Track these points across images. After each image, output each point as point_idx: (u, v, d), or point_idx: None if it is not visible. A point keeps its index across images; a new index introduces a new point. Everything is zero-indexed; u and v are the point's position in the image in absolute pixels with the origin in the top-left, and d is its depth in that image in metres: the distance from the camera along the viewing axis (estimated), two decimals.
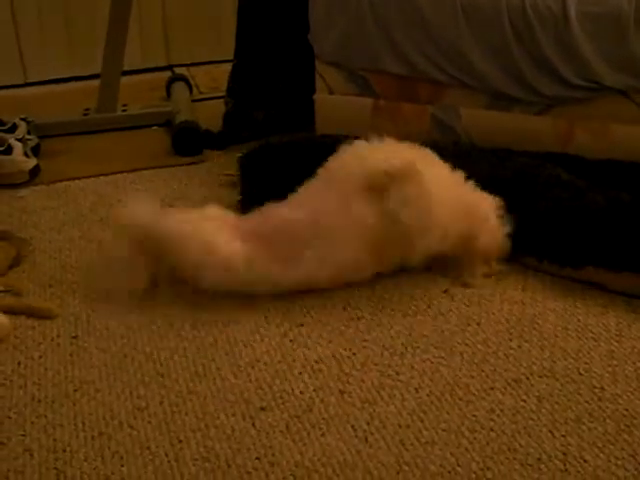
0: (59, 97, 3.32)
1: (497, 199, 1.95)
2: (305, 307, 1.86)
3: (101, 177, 2.58)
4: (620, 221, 1.88)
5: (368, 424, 1.50)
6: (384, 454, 1.43)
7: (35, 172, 2.55)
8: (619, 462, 1.40)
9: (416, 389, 1.59)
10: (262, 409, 1.55)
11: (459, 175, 1.94)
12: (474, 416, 1.52)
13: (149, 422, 1.52)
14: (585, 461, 1.41)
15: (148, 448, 1.45)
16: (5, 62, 3.40)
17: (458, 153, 2.02)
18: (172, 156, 2.72)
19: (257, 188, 2.22)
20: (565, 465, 1.40)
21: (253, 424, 1.51)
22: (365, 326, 1.80)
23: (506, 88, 2.33)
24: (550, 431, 1.47)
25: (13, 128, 2.64)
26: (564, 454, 1.42)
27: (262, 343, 1.74)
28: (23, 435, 1.49)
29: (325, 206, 1.85)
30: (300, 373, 1.65)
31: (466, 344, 1.73)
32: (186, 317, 1.82)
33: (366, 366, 1.67)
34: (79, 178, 2.57)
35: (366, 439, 1.47)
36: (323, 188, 1.90)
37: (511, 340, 1.74)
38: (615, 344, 1.72)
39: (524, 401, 1.55)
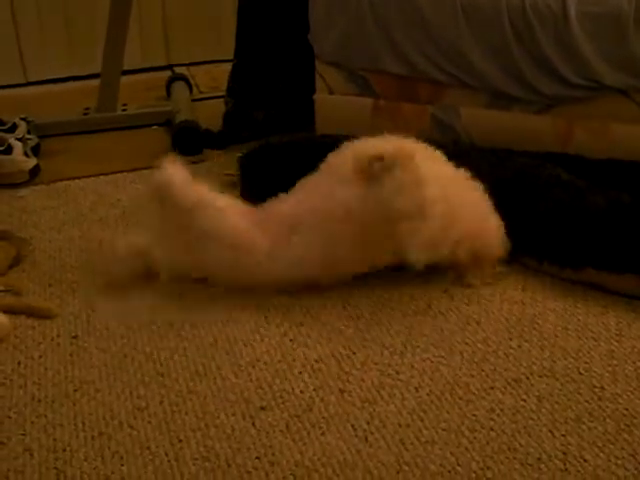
0: (59, 97, 3.32)
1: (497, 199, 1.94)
2: (305, 306, 1.86)
3: (101, 177, 2.58)
4: (620, 222, 1.88)
5: (368, 423, 1.50)
6: (384, 453, 1.43)
7: (35, 172, 2.55)
8: (619, 461, 1.40)
9: (416, 388, 1.59)
10: (262, 408, 1.55)
11: (462, 173, 1.93)
12: (474, 415, 1.52)
13: (149, 422, 1.52)
14: (585, 460, 1.41)
15: (148, 448, 1.45)
16: (5, 62, 3.40)
17: (458, 153, 2.02)
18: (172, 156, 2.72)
19: (257, 188, 2.22)
20: (565, 464, 1.40)
21: (253, 423, 1.51)
22: (365, 325, 1.80)
23: (506, 87, 2.34)
24: (550, 431, 1.47)
25: (13, 128, 2.64)
26: (564, 453, 1.42)
27: (262, 342, 1.74)
28: (23, 435, 1.49)
29: (314, 193, 1.87)
30: (300, 372, 1.65)
31: (466, 343, 1.73)
32: (186, 317, 1.82)
33: (366, 365, 1.67)
34: (79, 178, 2.57)
35: (366, 438, 1.47)
36: (319, 180, 1.91)
37: (511, 339, 1.74)
38: (615, 344, 1.72)
39: (524, 400, 1.55)
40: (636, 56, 2.16)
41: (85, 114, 2.97)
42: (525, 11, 2.24)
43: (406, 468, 1.40)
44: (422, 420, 1.51)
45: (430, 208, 1.75)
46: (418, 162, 1.76)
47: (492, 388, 1.59)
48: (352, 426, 1.50)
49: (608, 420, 1.50)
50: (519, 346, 1.72)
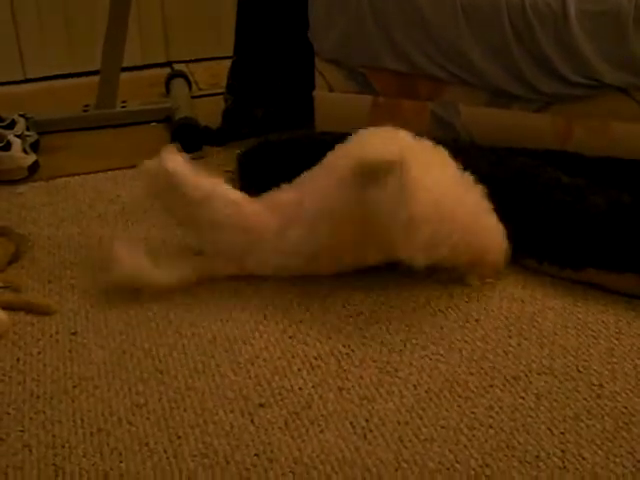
0: (58, 93, 3.32)
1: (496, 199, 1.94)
2: (304, 304, 1.86)
3: (100, 173, 2.58)
4: (621, 223, 1.88)
5: (367, 421, 1.50)
6: (383, 451, 1.43)
7: (34, 168, 2.55)
8: (617, 459, 1.40)
9: (415, 386, 1.59)
10: (261, 405, 1.55)
11: (463, 176, 1.92)
12: (473, 413, 1.52)
13: (148, 418, 1.52)
14: (583, 458, 1.41)
15: (147, 444, 1.45)
16: (5, 62, 3.39)
17: (457, 150, 2.02)
18: None
19: (256, 185, 2.21)
20: (563, 462, 1.40)
21: (252, 420, 1.51)
22: (364, 323, 1.80)
23: (506, 86, 2.34)
24: (549, 428, 1.48)
25: (12, 124, 2.64)
26: (562, 451, 1.42)
27: (261, 340, 1.74)
28: (22, 431, 1.49)
29: (313, 188, 1.88)
30: (299, 370, 1.65)
31: (465, 341, 1.73)
32: (185, 314, 1.82)
33: (365, 363, 1.67)
34: (78, 174, 2.57)
35: (365, 436, 1.47)
36: (320, 173, 1.92)
37: (510, 337, 1.74)
38: (614, 342, 1.72)
39: (523, 398, 1.55)
40: (636, 54, 2.16)
41: (84, 111, 2.97)
42: (525, 10, 2.24)
43: (405, 465, 1.40)
44: (421, 418, 1.51)
45: (419, 222, 1.74)
46: (412, 173, 1.73)
47: (491, 386, 1.59)
48: (351, 423, 1.50)
49: (607, 418, 1.50)
50: (518, 344, 1.72)
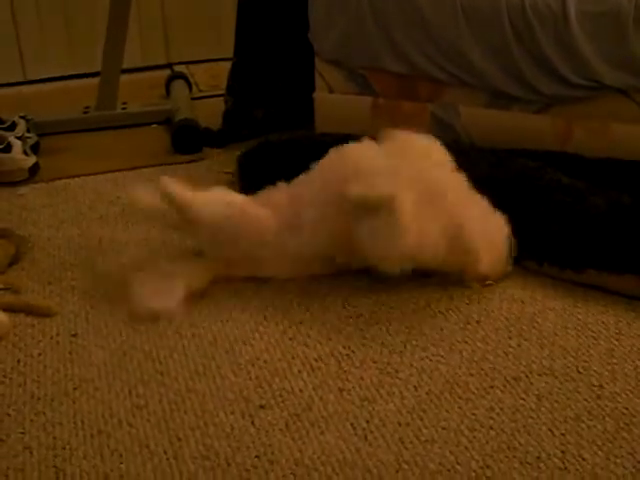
0: (58, 95, 3.33)
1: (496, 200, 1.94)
2: (304, 305, 1.86)
3: (100, 175, 2.58)
4: (621, 224, 1.88)
5: (367, 422, 1.50)
6: (383, 452, 1.43)
7: (34, 170, 2.55)
8: (618, 460, 1.40)
9: (415, 387, 1.59)
10: (261, 407, 1.55)
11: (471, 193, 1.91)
12: (473, 414, 1.52)
13: (148, 420, 1.52)
14: (584, 459, 1.41)
15: (147, 446, 1.45)
16: (5, 62, 3.40)
17: (457, 152, 2.02)
18: (171, 154, 2.72)
19: (256, 186, 2.21)
20: (564, 463, 1.40)
21: (252, 422, 1.51)
22: (364, 324, 1.80)
23: (506, 87, 2.34)
24: (549, 429, 1.47)
25: (12, 126, 2.64)
26: (563, 452, 1.42)
27: (261, 341, 1.74)
28: (22, 433, 1.49)
29: (312, 193, 1.89)
30: (299, 371, 1.65)
31: (465, 342, 1.73)
32: (185, 315, 1.82)
33: (365, 364, 1.67)
34: (78, 176, 2.57)
35: (365, 437, 1.47)
36: (318, 177, 1.93)
37: (510, 338, 1.74)
38: (615, 342, 1.72)
39: (523, 399, 1.55)
40: (636, 55, 2.16)
41: (85, 112, 2.97)
42: (525, 11, 2.24)
43: (405, 467, 1.40)
44: (421, 419, 1.51)
45: (406, 256, 1.78)
46: (403, 208, 1.74)
47: (491, 387, 1.59)
48: (351, 425, 1.50)
49: (607, 419, 1.50)
50: (518, 345, 1.72)
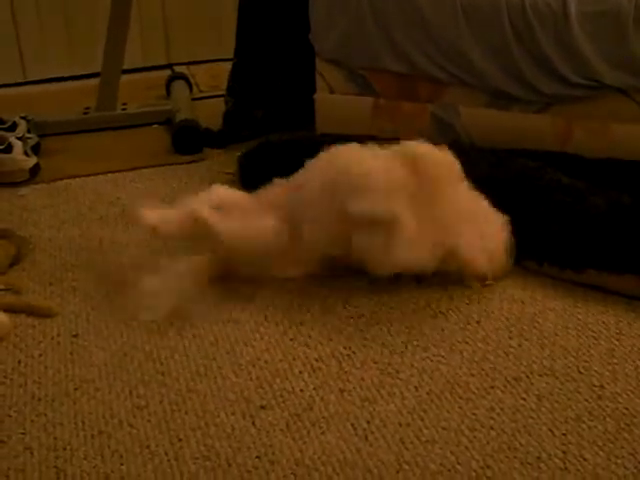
0: (59, 95, 3.32)
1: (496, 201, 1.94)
2: (305, 305, 1.86)
3: (101, 175, 2.58)
4: (621, 224, 1.88)
5: (368, 422, 1.50)
6: (384, 452, 1.43)
7: (35, 170, 2.55)
8: (619, 461, 1.40)
9: (416, 387, 1.59)
10: (262, 408, 1.55)
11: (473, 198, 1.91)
12: (474, 414, 1.52)
13: (149, 421, 1.52)
14: (585, 459, 1.41)
15: (148, 447, 1.46)
16: (5, 62, 3.40)
17: (457, 152, 2.02)
18: (172, 155, 2.72)
19: (257, 186, 2.22)
20: (565, 463, 1.40)
21: (253, 423, 1.51)
22: (365, 324, 1.80)
23: (506, 87, 2.34)
24: (550, 430, 1.48)
25: (13, 127, 2.64)
26: (564, 453, 1.42)
27: (262, 342, 1.74)
28: (23, 433, 1.49)
29: (311, 196, 1.89)
30: (300, 372, 1.65)
31: (466, 342, 1.73)
32: (186, 316, 1.82)
33: (366, 364, 1.67)
34: (79, 176, 2.57)
35: (366, 437, 1.47)
36: (316, 176, 1.92)
37: (511, 338, 1.74)
38: (615, 342, 1.72)
39: (524, 399, 1.55)
40: (636, 55, 2.16)
41: (85, 113, 2.97)
42: (525, 10, 2.24)
43: (406, 467, 1.40)
44: (422, 419, 1.51)
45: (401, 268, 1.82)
46: (403, 227, 1.76)
47: (492, 387, 1.59)
48: (352, 425, 1.50)
49: (608, 419, 1.50)
50: (519, 345, 1.72)
